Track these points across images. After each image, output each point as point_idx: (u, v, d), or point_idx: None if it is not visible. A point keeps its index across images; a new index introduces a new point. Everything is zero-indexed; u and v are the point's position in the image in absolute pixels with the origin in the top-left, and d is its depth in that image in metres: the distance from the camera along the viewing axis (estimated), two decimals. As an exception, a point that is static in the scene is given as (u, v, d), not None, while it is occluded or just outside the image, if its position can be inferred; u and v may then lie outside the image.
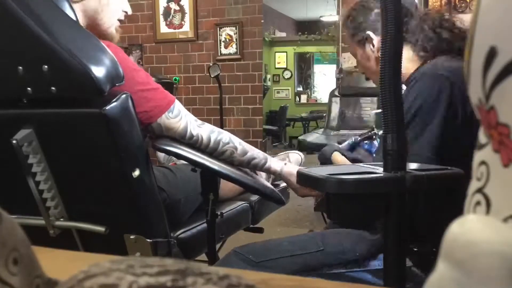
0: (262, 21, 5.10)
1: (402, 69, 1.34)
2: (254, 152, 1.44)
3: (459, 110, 1.15)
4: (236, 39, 5.03)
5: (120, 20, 1.46)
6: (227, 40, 5.07)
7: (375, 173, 0.79)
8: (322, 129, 4.38)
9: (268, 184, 1.57)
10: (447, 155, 1.12)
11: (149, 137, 1.37)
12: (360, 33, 1.44)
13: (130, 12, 1.49)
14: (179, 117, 1.35)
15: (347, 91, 4.25)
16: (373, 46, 1.42)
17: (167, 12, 5.19)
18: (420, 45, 1.35)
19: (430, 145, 1.13)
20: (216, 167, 1.36)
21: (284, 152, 1.84)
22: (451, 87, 1.16)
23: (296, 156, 1.83)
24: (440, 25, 1.35)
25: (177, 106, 1.36)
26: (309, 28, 10.45)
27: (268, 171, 1.48)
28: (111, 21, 1.42)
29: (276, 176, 1.53)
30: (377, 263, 1.20)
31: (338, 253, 1.24)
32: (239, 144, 1.42)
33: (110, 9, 1.41)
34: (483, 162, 0.28)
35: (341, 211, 0.86)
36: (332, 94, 4.40)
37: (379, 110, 1.14)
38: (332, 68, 7.55)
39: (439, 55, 1.32)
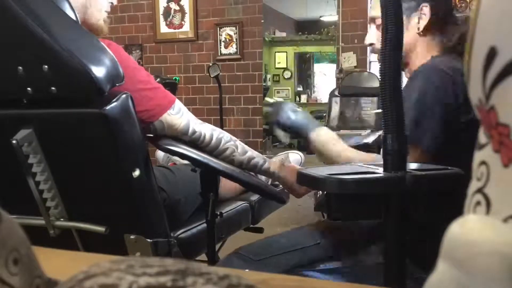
0: (262, 21, 5.10)
1: (416, 60, 1.34)
2: (254, 153, 1.45)
3: (461, 108, 1.14)
4: (236, 39, 5.03)
5: (107, 12, 1.48)
6: (227, 40, 5.07)
7: (375, 173, 0.79)
8: (322, 129, 4.37)
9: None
10: (444, 152, 1.12)
11: (149, 138, 1.37)
12: (414, 0, 1.32)
13: (115, 2, 1.49)
14: (180, 113, 1.36)
15: (347, 91, 4.25)
16: (423, 19, 1.31)
17: (167, 12, 5.18)
18: (439, 42, 1.32)
19: (432, 134, 1.13)
20: (220, 167, 1.37)
21: (284, 152, 1.84)
22: (452, 85, 1.15)
23: (296, 156, 1.83)
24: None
25: (178, 104, 1.37)
26: (309, 28, 10.44)
27: (267, 172, 1.49)
28: (99, 15, 1.44)
29: (274, 177, 1.53)
30: (373, 259, 1.21)
31: (334, 247, 1.24)
32: (239, 144, 1.44)
33: (98, 3, 1.43)
34: (483, 162, 0.28)
35: (341, 211, 0.86)
36: (332, 94, 4.39)
37: (379, 110, 1.13)
38: (332, 68, 7.54)
39: (445, 54, 1.31)
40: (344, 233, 1.30)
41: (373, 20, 1.42)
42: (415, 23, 1.32)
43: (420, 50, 1.34)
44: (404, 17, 1.29)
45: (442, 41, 1.33)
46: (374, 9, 1.42)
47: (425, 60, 1.33)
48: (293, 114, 1.34)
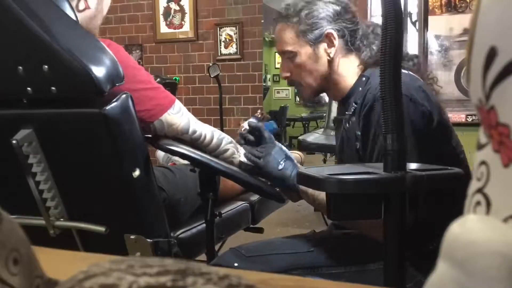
0: (262, 21, 5.10)
1: (342, 81, 1.30)
2: None
3: (421, 125, 1.12)
4: (236, 39, 5.03)
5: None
6: (227, 40, 5.07)
7: (375, 173, 0.79)
8: (322, 129, 4.36)
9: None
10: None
11: (147, 138, 1.37)
12: (317, 30, 1.26)
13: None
14: (180, 113, 1.36)
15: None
16: (331, 46, 1.28)
17: (167, 12, 5.18)
18: (365, 55, 1.28)
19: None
20: (220, 167, 1.37)
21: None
22: (407, 106, 1.10)
23: (296, 156, 1.83)
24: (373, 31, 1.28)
25: (178, 104, 1.37)
26: (309, 28, 10.43)
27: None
28: (100, 21, 1.43)
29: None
30: (372, 265, 1.21)
31: (327, 256, 1.25)
32: (239, 146, 1.44)
33: (103, 11, 1.42)
34: (483, 162, 0.28)
35: (341, 211, 0.86)
36: (332, 94, 4.37)
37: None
38: (332, 68, 7.54)
39: (369, 67, 1.27)
40: (339, 243, 1.31)
41: (282, 53, 1.33)
42: (324, 52, 1.28)
43: (342, 70, 1.30)
44: (312, 49, 1.27)
45: (361, 57, 1.29)
46: (278, 43, 1.33)
47: (353, 76, 1.29)
48: (282, 163, 1.26)
